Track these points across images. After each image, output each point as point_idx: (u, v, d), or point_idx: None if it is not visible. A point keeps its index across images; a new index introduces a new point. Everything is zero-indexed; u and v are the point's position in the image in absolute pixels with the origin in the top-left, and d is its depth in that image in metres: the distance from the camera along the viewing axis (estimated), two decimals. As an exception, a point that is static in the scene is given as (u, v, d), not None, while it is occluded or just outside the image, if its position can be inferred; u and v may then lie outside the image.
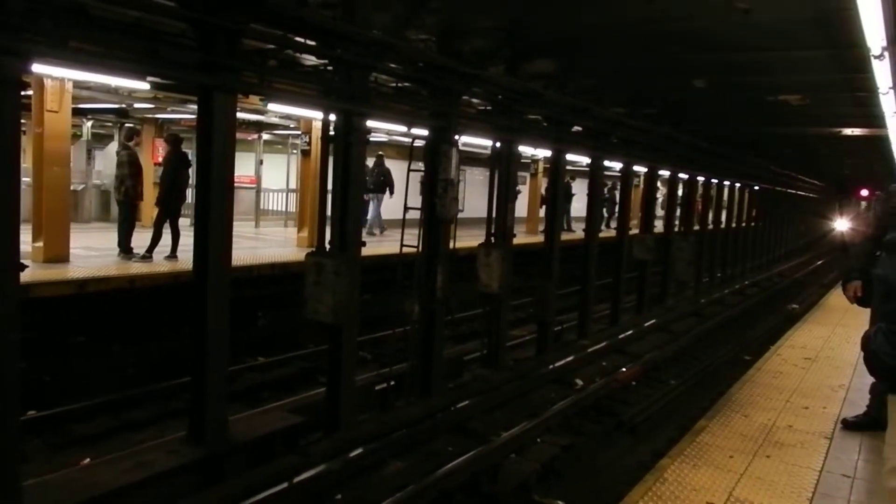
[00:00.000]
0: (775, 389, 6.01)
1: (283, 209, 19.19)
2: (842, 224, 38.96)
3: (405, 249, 8.12)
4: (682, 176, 17.72)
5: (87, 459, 6.27)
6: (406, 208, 8.45)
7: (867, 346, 2.53)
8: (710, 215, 20.19)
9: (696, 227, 18.67)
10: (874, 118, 11.23)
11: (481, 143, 13.37)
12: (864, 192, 33.22)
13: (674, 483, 3.96)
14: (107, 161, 15.66)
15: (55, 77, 8.91)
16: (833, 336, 8.59)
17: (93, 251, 10.43)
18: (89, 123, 15.39)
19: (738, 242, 23.28)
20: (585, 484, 7.00)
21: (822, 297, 12.09)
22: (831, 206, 41.49)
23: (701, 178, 18.60)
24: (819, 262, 30.83)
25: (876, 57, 5.84)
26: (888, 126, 10.96)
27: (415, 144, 8.80)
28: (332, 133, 6.94)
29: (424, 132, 8.51)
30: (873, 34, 5.31)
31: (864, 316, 5.10)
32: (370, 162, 15.63)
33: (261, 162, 17.85)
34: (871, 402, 5.02)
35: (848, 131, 14.53)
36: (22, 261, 4.58)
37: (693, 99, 12.20)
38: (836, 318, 9.84)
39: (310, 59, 7.85)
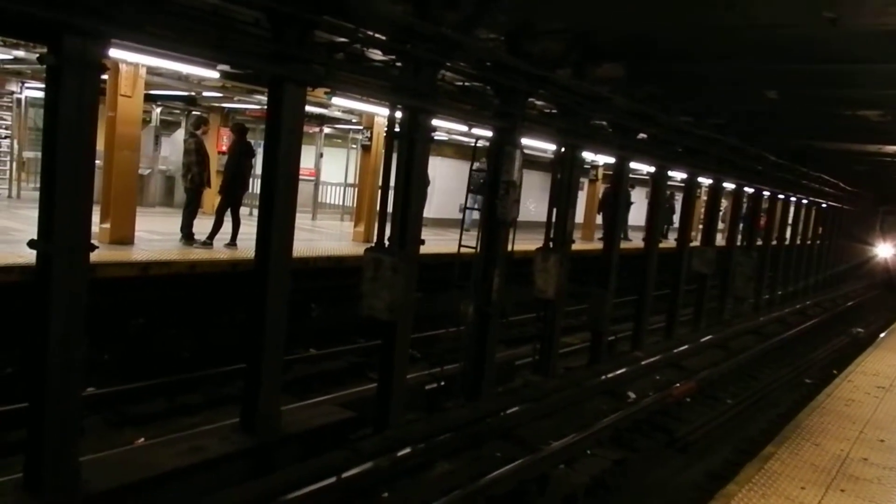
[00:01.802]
0: (847, 418, 5.70)
1: (341, 203, 19.35)
2: (886, 249, 29.74)
3: (463, 250, 8.03)
4: (748, 189, 17.18)
5: (142, 439, 6.37)
6: (465, 208, 8.37)
7: None
8: (776, 230, 19.57)
9: (759, 242, 18.08)
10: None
11: (537, 145, 13.21)
12: None
13: (741, 512, 3.77)
14: (173, 147, 16.04)
15: (130, 62, 9.11)
16: (907, 365, 8.17)
17: (156, 235, 10.65)
18: (158, 110, 15.76)
19: (803, 259, 22.56)
20: (637, 501, 6.80)
21: (891, 322, 11.51)
22: (869, 224, 30.56)
23: (767, 193, 18.00)
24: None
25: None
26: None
27: (478, 145, 8.72)
28: (397, 130, 6.90)
29: (487, 132, 8.41)
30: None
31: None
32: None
33: (321, 155, 18.01)
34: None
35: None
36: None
37: (764, 110, 11.79)
38: (910, 346, 9.37)
39: (377, 55, 7.83)
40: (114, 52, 6.86)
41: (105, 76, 9.22)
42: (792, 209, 21.34)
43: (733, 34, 7.47)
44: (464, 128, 10.70)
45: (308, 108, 13.49)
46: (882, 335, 10.15)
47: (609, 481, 7.09)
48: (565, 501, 6.49)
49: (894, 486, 4.37)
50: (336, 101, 11.22)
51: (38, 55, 6.59)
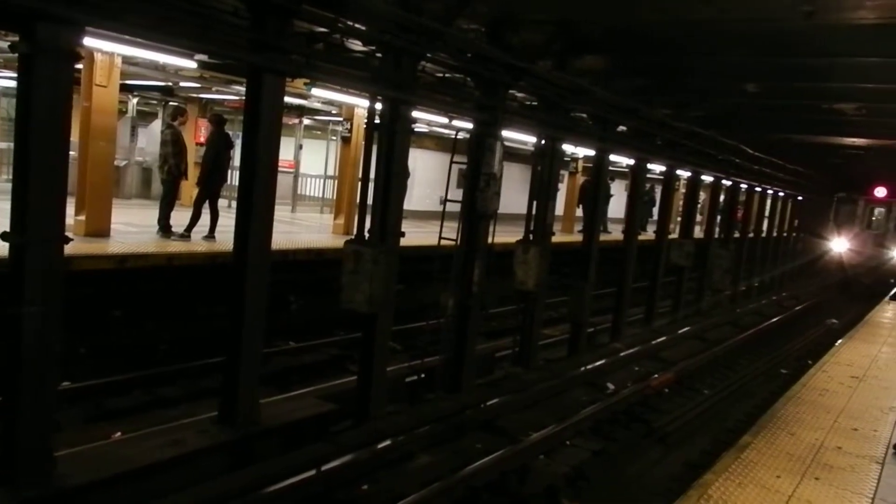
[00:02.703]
0: (822, 408, 5.79)
1: (320, 195, 19.24)
2: (840, 243, 24.64)
3: (443, 242, 8.02)
4: (726, 182, 17.34)
5: (119, 433, 6.30)
6: (446, 201, 8.36)
7: None
8: (752, 223, 19.73)
9: (737, 235, 18.27)
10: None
11: (518, 137, 13.22)
12: (882, 192, 23.42)
13: (719, 501, 3.80)
14: (150, 138, 15.85)
15: (105, 51, 8.96)
16: (880, 355, 8.30)
17: (132, 227, 10.52)
18: (135, 100, 15.54)
19: (779, 251, 22.77)
20: (615, 491, 6.86)
21: (866, 314, 11.71)
22: (823, 215, 25.78)
23: (744, 186, 18.19)
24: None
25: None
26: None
27: (458, 137, 8.70)
28: (377, 121, 6.86)
29: (467, 124, 8.39)
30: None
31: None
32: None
33: (300, 147, 17.89)
34: (926, 429, 4.84)
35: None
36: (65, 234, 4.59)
37: (743, 104, 11.89)
38: (882, 336, 9.51)
39: (357, 45, 7.77)
40: (88, 41, 6.77)
41: (79, 65, 9.07)
42: (756, 201, 20.94)
43: (712, 28, 7.52)
44: (445, 119, 10.67)
45: (287, 99, 13.38)
46: (856, 327, 10.33)
47: (588, 472, 7.15)
48: (545, 492, 6.52)
49: (867, 473, 4.45)
50: (316, 92, 11.13)
51: (9, 43, 6.46)
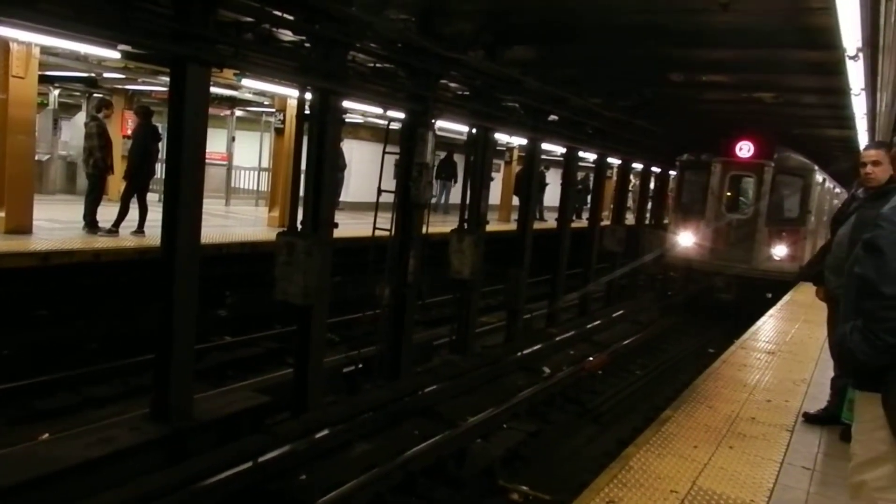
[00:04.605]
0: (739, 382, 6.10)
1: (255, 188, 18.96)
2: (685, 236, 15.14)
3: (378, 233, 8.06)
4: (655, 169, 17.86)
5: (46, 434, 6.14)
6: (380, 191, 8.38)
7: (842, 344, 2.55)
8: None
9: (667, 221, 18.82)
10: (845, 119, 11.41)
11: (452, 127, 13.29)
12: (748, 150, 14.16)
13: (639, 471, 4.00)
14: (74, 131, 15.30)
15: (21, 41, 8.63)
16: (796, 331, 8.76)
17: (57, 223, 10.18)
18: (56, 92, 14.97)
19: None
20: (550, 470, 7.07)
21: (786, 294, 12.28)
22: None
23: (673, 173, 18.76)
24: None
25: (851, 58, 5.90)
26: (857, 128, 11.14)
27: (391, 127, 8.73)
28: (307, 112, 6.84)
29: (401, 115, 8.43)
30: (849, 34, 5.36)
31: (826, 312, 5.21)
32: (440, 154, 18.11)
33: (233, 139, 17.56)
34: (832, 398, 5.12)
35: (818, 132, 14.76)
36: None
37: (670, 93, 12.27)
38: (799, 314, 10.03)
39: (287, 35, 7.71)
40: (3, 31, 6.51)
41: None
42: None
43: (638, 17, 7.73)
44: (380, 110, 10.68)
45: (217, 90, 13.24)
46: (776, 306, 10.84)
47: (524, 452, 7.35)
48: (483, 474, 6.68)
49: (778, 440, 4.73)
50: (246, 82, 10.94)
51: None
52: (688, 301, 15.73)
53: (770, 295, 12.81)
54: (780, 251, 14.11)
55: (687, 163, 15.72)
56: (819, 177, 14.97)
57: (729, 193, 14.67)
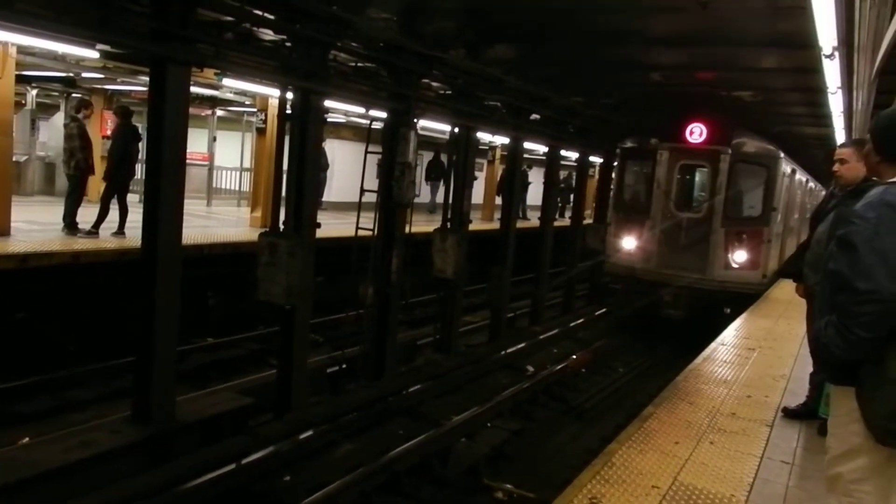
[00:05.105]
0: (720, 378, 6.17)
1: (237, 188, 18.84)
2: (628, 239, 12.55)
3: (361, 233, 8.05)
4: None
5: (26, 438, 6.07)
6: (362, 191, 8.38)
7: (818, 339, 2.59)
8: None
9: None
10: (822, 118, 11.56)
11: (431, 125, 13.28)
12: (699, 135, 11.83)
13: (621, 467, 4.03)
14: (52, 132, 15.11)
15: (-2, 41, 8.52)
16: (776, 328, 8.85)
17: (35, 225, 10.06)
18: (34, 92, 14.77)
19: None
20: (534, 468, 7.10)
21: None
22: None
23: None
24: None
25: (827, 56, 5.98)
26: (834, 126, 11.28)
27: (373, 126, 8.72)
28: (288, 112, 6.82)
29: (383, 114, 8.43)
30: (825, 33, 5.43)
31: (805, 308, 5.27)
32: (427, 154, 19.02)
33: (214, 139, 17.45)
34: (811, 393, 5.19)
35: (797, 130, 14.93)
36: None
37: (650, 92, 12.34)
38: (779, 311, 10.14)
39: (268, 35, 7.68)
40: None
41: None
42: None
43: (619, 16, 7.78)
44: (362, 110, 10.66)
45: (198, 90, 13.15)
46: (756, 302, 10.93)
47: (509, 451, 7.37)
48: (467, 472, 6.69)
49: (757, 435, 4.79)
50: (227, 82, 10.90)
51: None
52: (630, 318, 13.11)
53: (728, 310, 10.87)
54: (739, 257, 11.72)
55: (628, 151, 13.07)
56: (787, 167, 12.69)
57: (678, 187, 12.21)
